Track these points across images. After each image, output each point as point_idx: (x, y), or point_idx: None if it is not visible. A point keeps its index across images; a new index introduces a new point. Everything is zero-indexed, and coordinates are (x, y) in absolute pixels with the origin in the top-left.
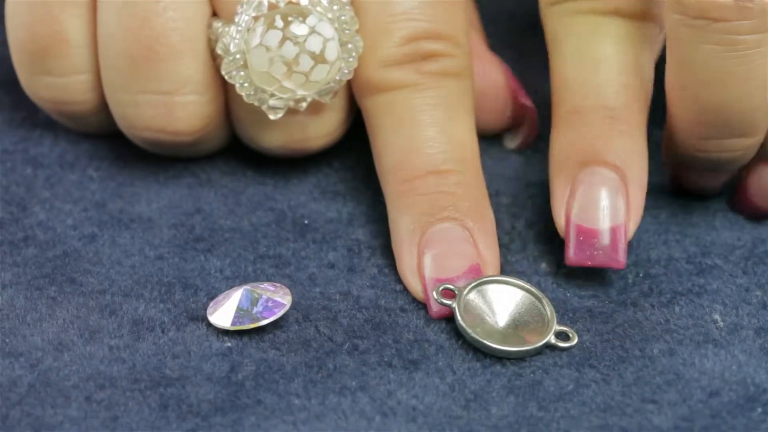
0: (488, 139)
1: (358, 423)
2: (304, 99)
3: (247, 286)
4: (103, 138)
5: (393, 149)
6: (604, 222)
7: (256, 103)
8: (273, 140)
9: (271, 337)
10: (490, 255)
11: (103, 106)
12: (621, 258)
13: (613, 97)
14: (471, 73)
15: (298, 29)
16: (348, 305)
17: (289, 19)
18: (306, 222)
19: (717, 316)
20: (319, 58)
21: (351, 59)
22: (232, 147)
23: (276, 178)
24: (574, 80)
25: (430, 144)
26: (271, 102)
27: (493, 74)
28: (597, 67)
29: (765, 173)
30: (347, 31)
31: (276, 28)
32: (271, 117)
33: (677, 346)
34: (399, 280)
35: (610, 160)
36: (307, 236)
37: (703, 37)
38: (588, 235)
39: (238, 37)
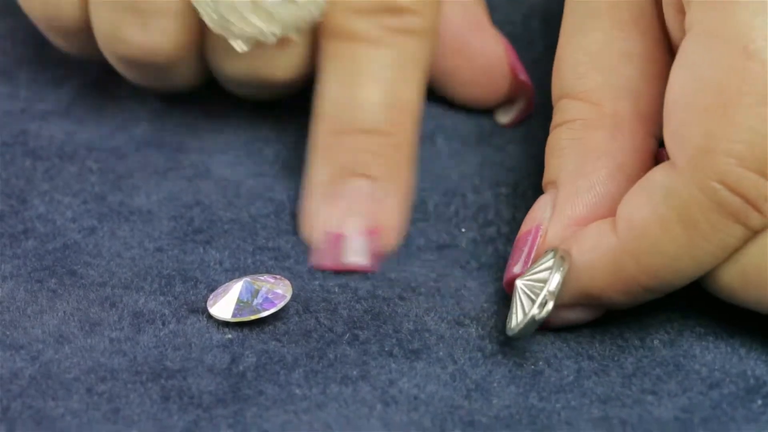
0: (489, 129)
1: (360, 412)
2: (272, 34)
3: (247, 278)
4: (102, 128)
5: (333, 98)
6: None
7: (222, 34)
8: (237, 69)
9: (272, 329)
10: (394, 220)
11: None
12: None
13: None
14: (434, 34)
15: None
16: (347, 297)
17: None
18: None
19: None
20: None
21: (321, 0)
22: (232, 141)
23: (275, 170)
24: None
25: (370, 103)
26: (238, 33)
27: (493, 47)
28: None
29: None
30: None
31: None
32: (237, 49)
33: (677, 336)
34: (394, 269)
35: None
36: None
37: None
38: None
39: None
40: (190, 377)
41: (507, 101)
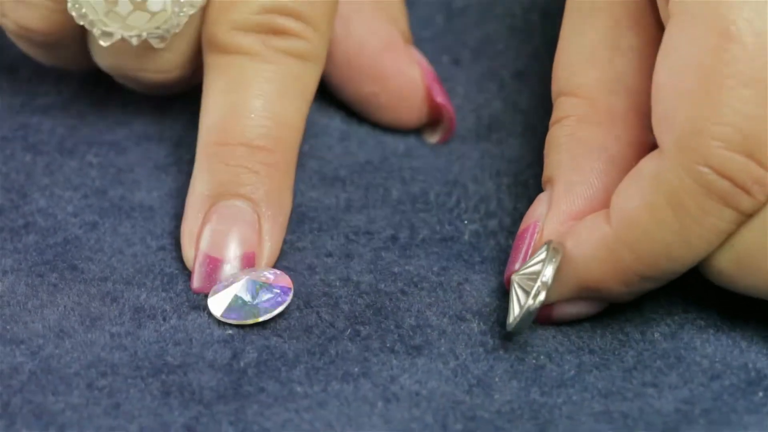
0: (489, 123)
1: (361, 409)
2: (138, 36)
3: (249, 276)
4: (102, 123)
5: (215, 109)
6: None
7: (86, 27)
8: (104, 60)
9: (273, 324)
10: (270, 247)
11: None
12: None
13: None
14: (321, 61)
15: None
16: (348, 291)
17: None
18: (303, 210)
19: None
20: (140, 6)
21: (182, 14)
22: None
23: None
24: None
25: (252, 115)
26: (103, 29)
27: (408, 71)
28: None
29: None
30: None
31: None
32: (101, 43)
33: (678, 329)
34: (396, 263)
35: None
36: (305, 226)
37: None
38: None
39: None
40: (191, 373)
41: (430, 122)
